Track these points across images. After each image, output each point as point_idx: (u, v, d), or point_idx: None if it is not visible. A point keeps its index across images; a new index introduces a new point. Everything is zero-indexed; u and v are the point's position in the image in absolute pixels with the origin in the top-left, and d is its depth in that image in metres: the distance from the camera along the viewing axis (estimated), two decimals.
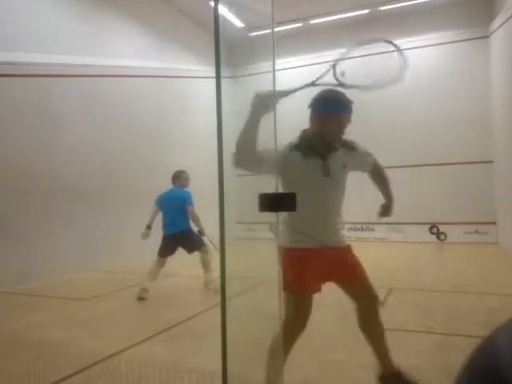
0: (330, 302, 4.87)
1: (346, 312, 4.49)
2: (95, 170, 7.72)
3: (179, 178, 5.78)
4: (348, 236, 8.69)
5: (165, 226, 5.53)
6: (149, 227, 5.54)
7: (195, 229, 5.59)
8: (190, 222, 5.54)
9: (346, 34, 11.00)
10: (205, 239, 5.54)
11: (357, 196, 10.57)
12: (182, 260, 8.19)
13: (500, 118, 8.73)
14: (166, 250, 5.46)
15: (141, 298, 5.04)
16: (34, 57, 6.71)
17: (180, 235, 5.42)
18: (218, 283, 4.93)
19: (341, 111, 2.38)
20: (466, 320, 4.00)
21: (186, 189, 5.73)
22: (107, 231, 7.82)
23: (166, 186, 9.33)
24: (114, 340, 3.63)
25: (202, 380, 2.73)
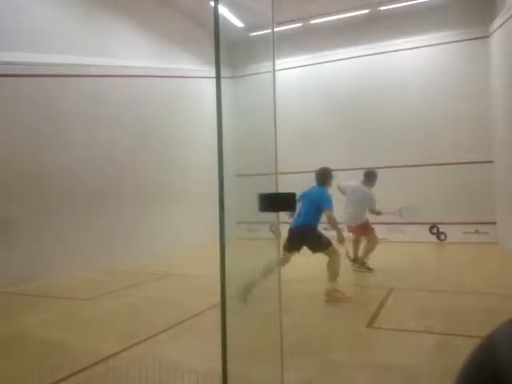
0: (330, 301, 4.87)
1: (345, 312, 4.49)
2: (96, 170, 7.72)
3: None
4: (348, 236, 8.65)
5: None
6: None
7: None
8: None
9: (346, 33, 11.01)
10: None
11: None
12: (182, 260, 8.20)
13: (500, 118, 8.73)
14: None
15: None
16: (35, 57, 6.71)
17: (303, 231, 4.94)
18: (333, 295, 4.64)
19: None
20: (466, 320, 4.00)
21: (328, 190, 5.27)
22: (108, 231, 7.82)
23: (167, 185, 9.38)
24: (114, 340, 3.63)
25: (202, 380, 2.73)
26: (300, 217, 4.90)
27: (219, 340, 2.03)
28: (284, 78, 11.11)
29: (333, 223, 4.84)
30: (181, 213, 9.54)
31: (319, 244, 4.77)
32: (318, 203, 4.93)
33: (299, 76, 11.46)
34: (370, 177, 6.79)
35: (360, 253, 6.74)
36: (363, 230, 6.72)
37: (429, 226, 10.08)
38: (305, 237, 4.81)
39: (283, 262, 4.74)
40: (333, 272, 4.77)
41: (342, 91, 10.81)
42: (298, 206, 5.00)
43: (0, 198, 6.07)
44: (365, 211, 6.63)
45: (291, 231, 4.92)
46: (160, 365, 2.94)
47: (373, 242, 6.63)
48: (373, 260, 6.57)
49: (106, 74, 8.13)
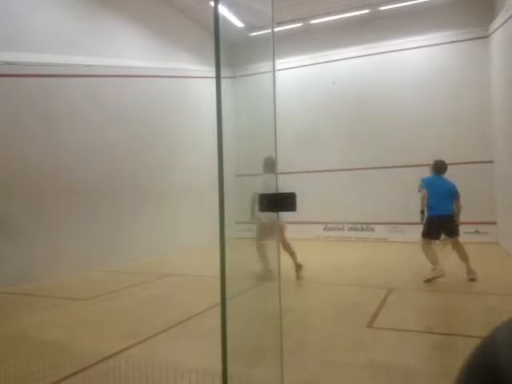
0: (330, 302, 4.87)
1: (345, 312, 4.49)
2: (97, 170, 7.72)
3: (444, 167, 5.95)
4: (348, 236, 8.70)
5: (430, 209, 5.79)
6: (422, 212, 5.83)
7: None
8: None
9: (346, 34, 11.01)
10: None
11: (357, 197, 10.58)
12: (181, 260, 8.19)
13: (500, 117, 8.73)
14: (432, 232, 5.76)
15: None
16: (36, 57, 6.71)
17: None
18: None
19: None
20: (466, 320, 4.00)
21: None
22: (108, 231, 7.82)
23: (166, 185, 9.38)
24: (115, 340, 3.63)
25: (202, 380, 2.73)
26: (437, 206, 5.59)
27: (219, 340, 2.03)
28: (284, 78, 11.11)
29: (460, 210, 5.74)
30: (180, 213, 9.54)
31: (456, 230, 5.68)
32: (450, 193, 5.68)
33: (299, 76, 11.46)
34: (269, 164, 6.08)
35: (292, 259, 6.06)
36: (283, 227, 6.11)
37: None
38: (448, 224, 5.60)
39: (427, 249, 5.60)
40: (465, 254, 5.69)
41: (342, 91, 10.81)
42: (421, 193, 5.79)
43: (0, 198, 6.07)
44: None
45: (434, 220, 5.60)
46: (160, 365, 2.94)
47: (286, 241, 6.01)
48: (373, 260, 6.56)
49: (106, 74, 8.12)
